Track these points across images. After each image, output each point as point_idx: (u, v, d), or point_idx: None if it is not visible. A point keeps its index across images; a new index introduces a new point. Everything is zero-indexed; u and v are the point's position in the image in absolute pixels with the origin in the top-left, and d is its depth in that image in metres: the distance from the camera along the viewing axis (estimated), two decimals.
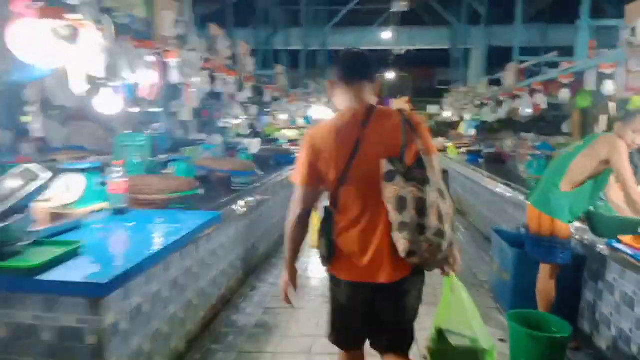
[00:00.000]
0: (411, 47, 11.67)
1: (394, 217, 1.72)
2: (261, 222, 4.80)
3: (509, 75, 5.32)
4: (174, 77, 3.96)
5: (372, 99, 1.90)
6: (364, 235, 1.81)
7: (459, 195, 7.60)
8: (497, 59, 9.11)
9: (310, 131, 1.93)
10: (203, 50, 4.72)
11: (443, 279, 1.95)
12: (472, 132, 10.43)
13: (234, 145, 7.07)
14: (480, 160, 7.74)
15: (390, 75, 17.07)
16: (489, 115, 7.52)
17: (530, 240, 3.10)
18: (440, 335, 1.98)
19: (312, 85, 9.97)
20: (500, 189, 5.30)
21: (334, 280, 1.93)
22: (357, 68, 1.91)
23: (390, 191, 1.73)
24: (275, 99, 7.26)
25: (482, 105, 7.90)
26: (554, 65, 5.57)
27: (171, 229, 2.58)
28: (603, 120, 6.50)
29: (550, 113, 9.20)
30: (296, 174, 1.89)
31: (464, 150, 8.65)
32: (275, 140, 9.60)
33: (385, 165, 1.75)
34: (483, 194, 6.27)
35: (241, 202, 3.86)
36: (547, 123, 10.39)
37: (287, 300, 2.01)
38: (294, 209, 1.90)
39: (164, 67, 3.93)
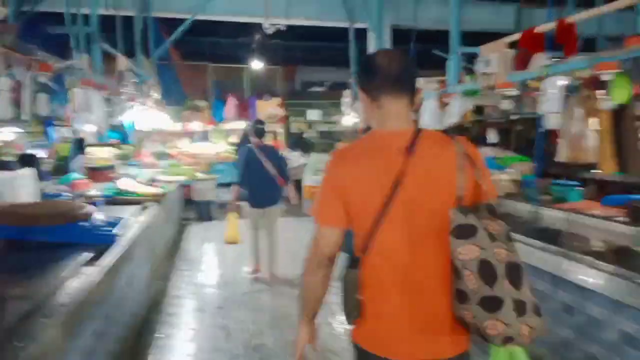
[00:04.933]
0: (286, 23, 8.03)
1: (476, 287, 1.26)
2: None
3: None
4: None
5: (412, 116, 1.47)
6: (412, 298, 1.39)
7: None
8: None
9: (333, 154, 1.53)
10: None
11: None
12: None
13: None
14: None
15: (257, 65, 12.20)
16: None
17: None
18: None
19: (125, 64, 5.56)
20: None
21: (361, 355, 1.46)
22: (402, 77, 1.42)
23: (467, 251, 1.28)
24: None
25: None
26: None
27: None
28: None
29: None
30: (316, 209, 1.49)
31: None
32: (66, 173, 5.15)
33: (455, 216, 1.32)
34: None
35: None
36: None
37: None
38: (313, 255, 1.47)
39: None
